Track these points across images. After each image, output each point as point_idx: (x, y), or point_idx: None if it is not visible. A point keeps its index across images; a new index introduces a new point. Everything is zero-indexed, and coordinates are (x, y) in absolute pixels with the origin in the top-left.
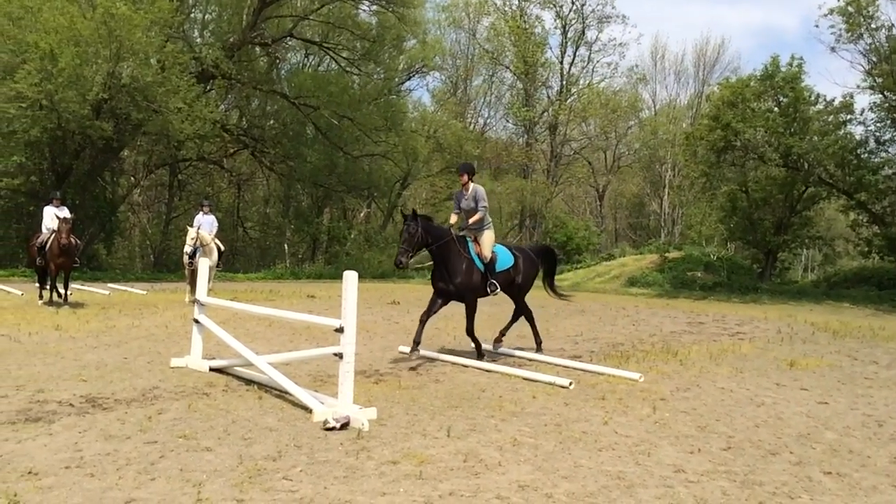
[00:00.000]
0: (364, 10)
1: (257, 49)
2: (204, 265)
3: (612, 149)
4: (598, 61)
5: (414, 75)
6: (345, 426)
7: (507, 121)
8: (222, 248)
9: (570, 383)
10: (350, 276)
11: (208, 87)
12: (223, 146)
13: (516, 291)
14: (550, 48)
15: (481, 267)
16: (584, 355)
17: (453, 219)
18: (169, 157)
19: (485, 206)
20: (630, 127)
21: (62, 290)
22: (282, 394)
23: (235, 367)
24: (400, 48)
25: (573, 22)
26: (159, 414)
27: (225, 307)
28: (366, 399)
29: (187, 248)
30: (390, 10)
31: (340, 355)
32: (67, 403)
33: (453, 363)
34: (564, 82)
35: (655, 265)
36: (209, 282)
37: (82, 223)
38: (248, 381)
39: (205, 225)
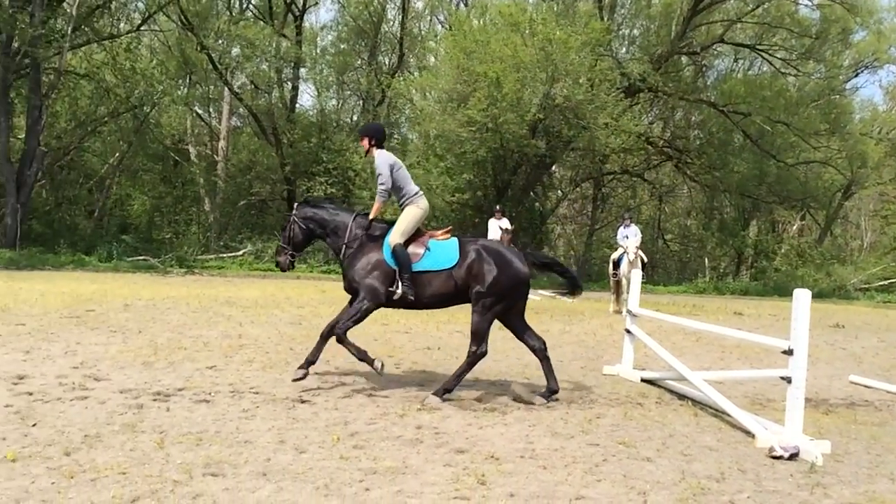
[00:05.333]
0: (805, 5)
1: (683, 59)
2: (636, 277)
3: None
4: None
5: (862, 71)
6: (793, 456)
7: None
8: (645, 259)
9: None
10: (802, 295)
11: (634, 101)
12: (646, 158)
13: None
14: None
15: (390, 260)
16: None
17: (375, 208)
18: (594, 170)
19: (381, 184)
20: None
21: None
22: (718, 413)
23: (667, 381)
24: (846, 42)
25: None
26: (598, 418)
27: (652, 319)
28: (814, 430)
29: (615, 256)
30: (837, 1)
31: (788, 379)
32: (514, 398)
33: None
34: None
35: None
36: (627, 293)
37: (516, 234)
38: (681, 396)
39: (630, 237)
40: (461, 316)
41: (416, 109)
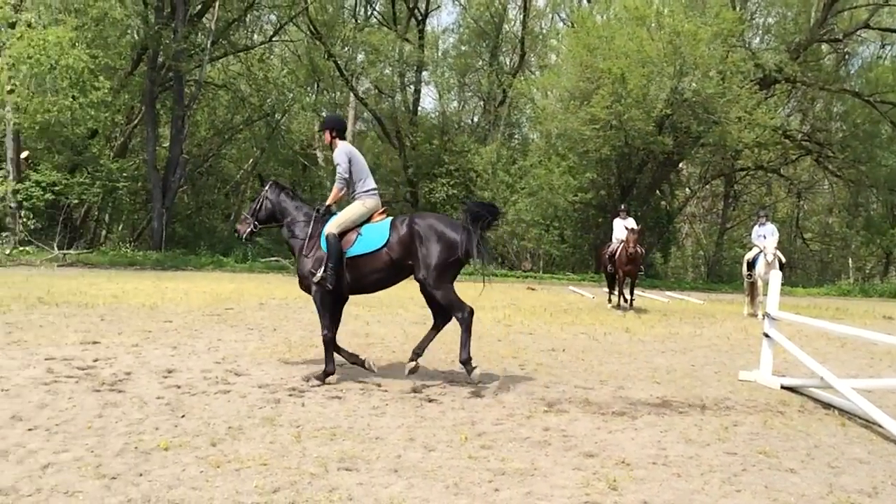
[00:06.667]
0: None
1: (824, 47)
2: (775, 278)
3: None
4: None
5: None
6: None
7: None
8: (783, 260)
9: None
10: None
11: (769, 93)
12: (783, 153)
13: (423, 287)
14: None
15: (325, 247)
16: None
17: (332, 195)
18: (725, 167)
19: (339, 174)
20: None
21: (628, 296)
22: (868, 423)
23: (810, 388)
24: None
25: None
26: (734, 426)
27: (792, 322)
28: None
29: (749, 257)
30: None
31: None
32: (645, 403)
33: None
34: None
35: None
36: (762, 295)
37: (642, 233)
38: (826, 405)
39: (767, 236)
40: (585, 317)
41: (538, 109)
